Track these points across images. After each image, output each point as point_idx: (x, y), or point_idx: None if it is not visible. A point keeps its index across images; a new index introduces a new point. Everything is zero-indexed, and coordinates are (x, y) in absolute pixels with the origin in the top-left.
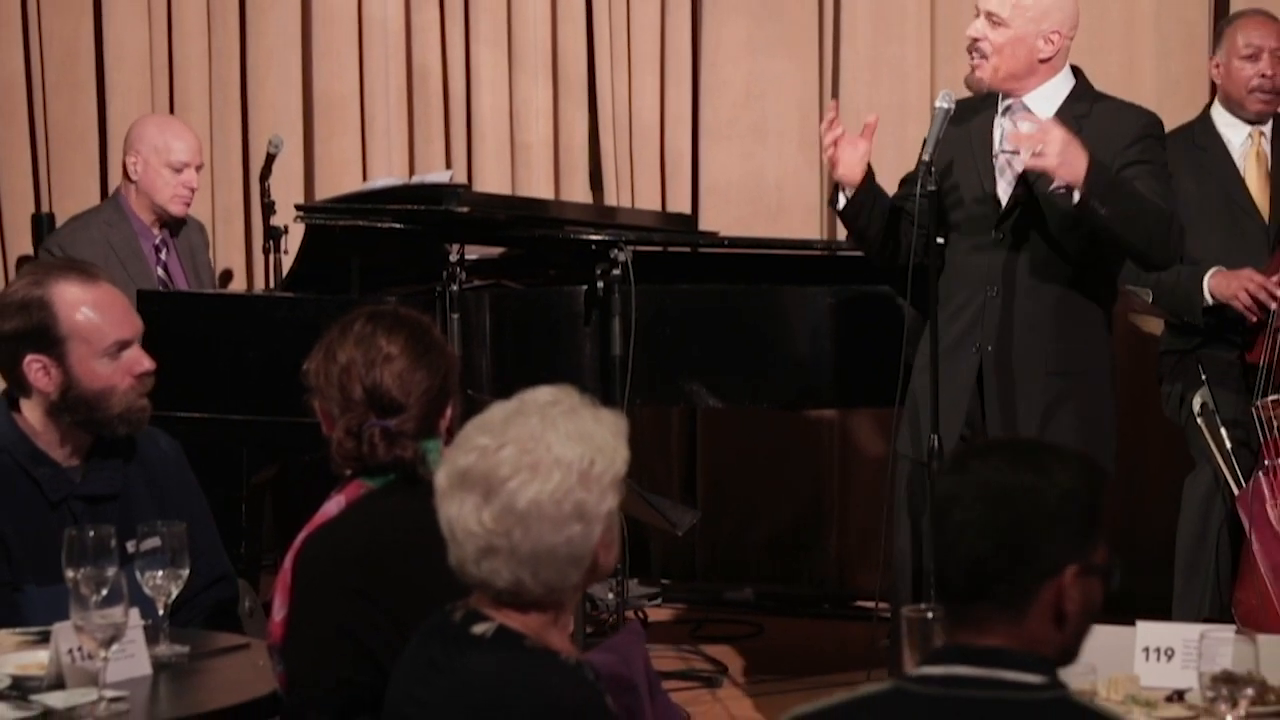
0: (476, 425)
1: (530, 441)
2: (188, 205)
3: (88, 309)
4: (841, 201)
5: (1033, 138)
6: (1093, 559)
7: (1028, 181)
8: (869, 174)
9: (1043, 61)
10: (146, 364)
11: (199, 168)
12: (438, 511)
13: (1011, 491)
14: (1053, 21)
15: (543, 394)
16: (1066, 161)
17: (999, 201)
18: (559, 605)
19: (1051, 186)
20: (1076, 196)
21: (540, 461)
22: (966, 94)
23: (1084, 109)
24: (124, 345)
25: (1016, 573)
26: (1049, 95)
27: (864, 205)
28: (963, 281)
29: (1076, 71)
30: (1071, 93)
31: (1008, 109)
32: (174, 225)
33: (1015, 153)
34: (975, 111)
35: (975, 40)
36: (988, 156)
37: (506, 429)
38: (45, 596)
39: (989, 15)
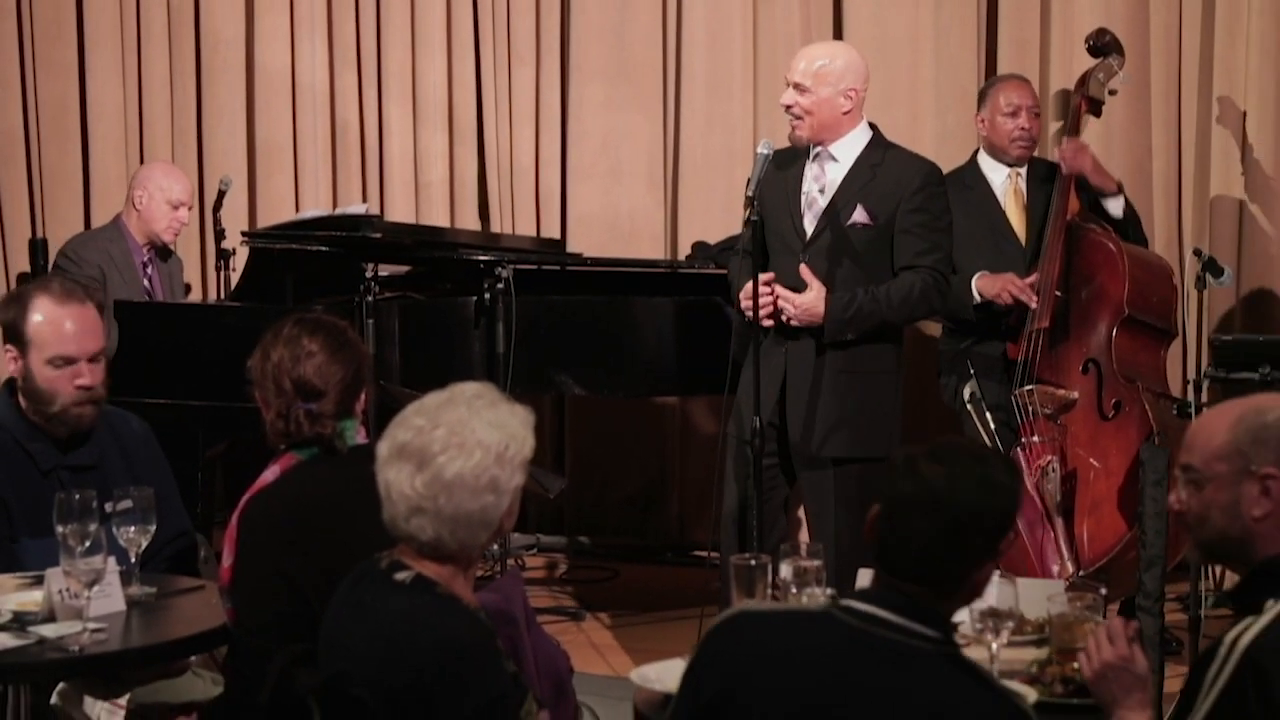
0: (415, 409)
1: (459, 425)
2: (176, 235)
3: (45, 322)
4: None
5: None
6: (1001, 551)
7: (829, 217)
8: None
9: (845, 114)
10: (84, 380)
11: (190, 208)
12: (377, 475)
13: (964, 509)
14: (848, 81)
15: (470, 388)
16: (802, 321)
17: (804, 233)
18: (468, 560)
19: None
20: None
21: (466, 442)
22: (785, 143)
23: (879, 157)
24: (68, 360)
25: (959, 570)
26: (851, 144)
27: None
28: None
29: (873, 126)
30: (869, 143)
31: (817, 155)
32: (163, 252)
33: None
34: (791, 161)
35: (789, 106)
36: (797, 196)
37: (439, 414)
38: (39, 547)
39: (796, 85)
